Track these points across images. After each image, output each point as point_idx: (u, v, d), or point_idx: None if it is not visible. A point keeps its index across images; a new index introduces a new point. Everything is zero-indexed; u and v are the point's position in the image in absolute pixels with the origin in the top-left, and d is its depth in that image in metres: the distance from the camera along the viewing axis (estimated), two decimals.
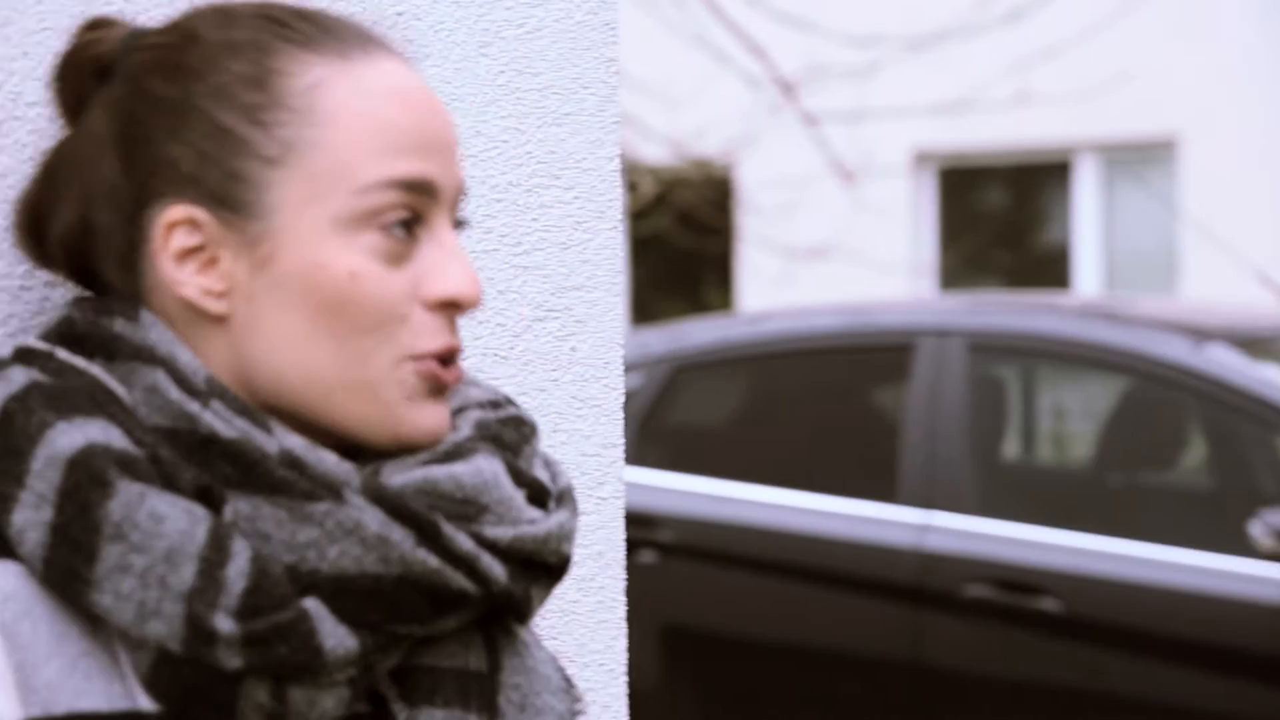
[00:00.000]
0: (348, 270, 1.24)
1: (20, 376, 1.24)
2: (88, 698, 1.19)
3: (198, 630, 1.18)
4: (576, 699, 1.35)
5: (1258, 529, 4.54)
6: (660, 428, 5.76)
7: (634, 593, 2.13)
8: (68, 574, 1.19)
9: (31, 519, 1.19)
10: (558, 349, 1.84)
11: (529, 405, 1.50)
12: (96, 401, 1.23)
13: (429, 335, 1.27)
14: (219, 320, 1.27)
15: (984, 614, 4.87)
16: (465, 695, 1.28)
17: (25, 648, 1.18)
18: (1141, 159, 12.72)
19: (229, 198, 1.25)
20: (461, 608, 1.26)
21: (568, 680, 1.35)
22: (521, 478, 1.31)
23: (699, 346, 5.79)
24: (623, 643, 1.88)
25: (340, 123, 1.26)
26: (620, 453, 1.93)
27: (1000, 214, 13.66)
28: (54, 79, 1.36)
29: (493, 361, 1.74)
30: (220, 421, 1.23)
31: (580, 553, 1.52)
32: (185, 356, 1.25)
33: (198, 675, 1.19)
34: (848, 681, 5.06)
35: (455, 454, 1.28)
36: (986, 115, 11.91)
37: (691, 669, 5.33)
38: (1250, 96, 12.17)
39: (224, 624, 1.18)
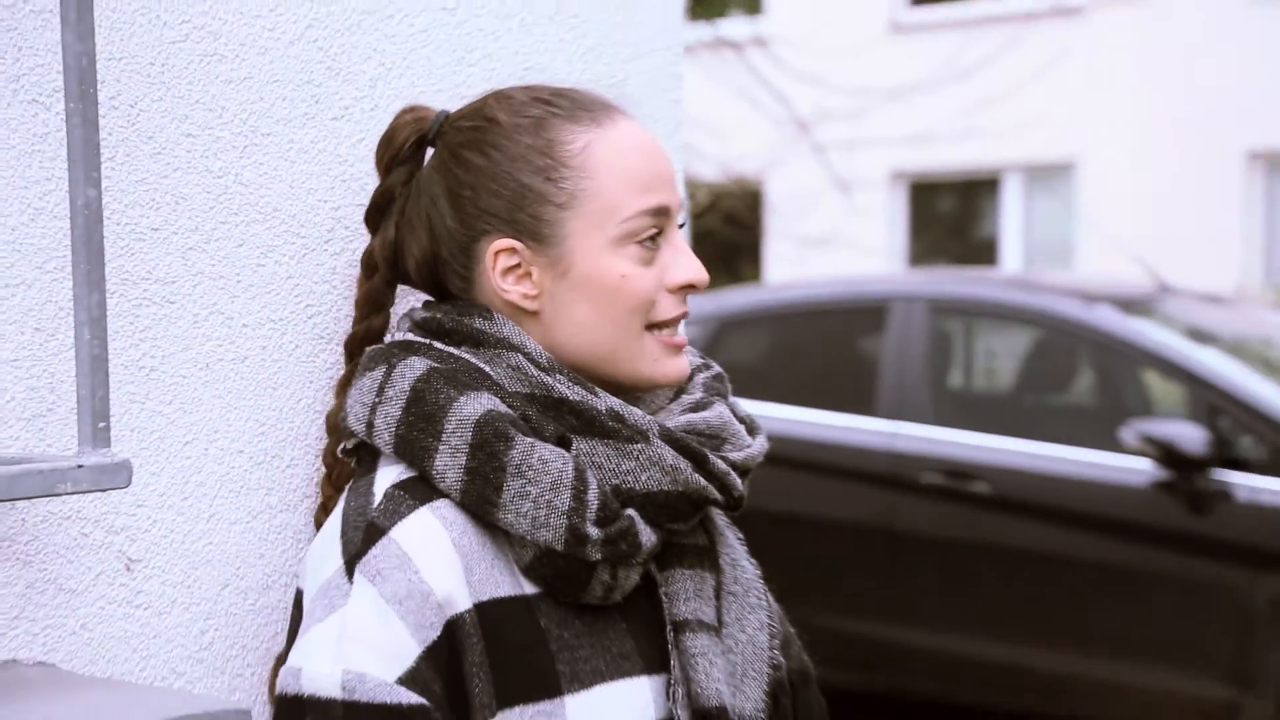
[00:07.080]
0: (619, 274, 1.27)
1: (420, 364, 1.26)
2: (501, 588, 1.21)
3: (577, 536, 1.20)
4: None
5: (1126, 434, 4.49)
6: None
7: None
8: (481, 501, 1.20)
9: (450, 463, 1.21)
10: None
11: None
12: (477, 379, 1.25)
13: (670, 308, 1.30)
14: (534, 315, 1.28)
15: (936, 495, 4.83)
16: (700, 559, 1.30)
17: (467, 554, 1.20)
18: (1051, 176, 12.54)
19: (535, 233, 1.27)
20: (704, 508, 1.28)
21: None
22: (738, 415, 1.34)
23: (738, 309, 5.76)
24: None
25: (605, 174, 1.27)
26: None
27: (951, 215, 13.53)
28: (380, 145, 1.38)
29: None
30: (565, 388, 1.25)
31: None
32: (532, 345, 1.27)
33: (569, 565, 1.22)
34: (838, 544, 5.03)
35: (701, 405, 1.32)
36: (943, 145, 11.79)
37: None
38: (1128, 131, 11.99)
39: (593, 531, 1.21)
